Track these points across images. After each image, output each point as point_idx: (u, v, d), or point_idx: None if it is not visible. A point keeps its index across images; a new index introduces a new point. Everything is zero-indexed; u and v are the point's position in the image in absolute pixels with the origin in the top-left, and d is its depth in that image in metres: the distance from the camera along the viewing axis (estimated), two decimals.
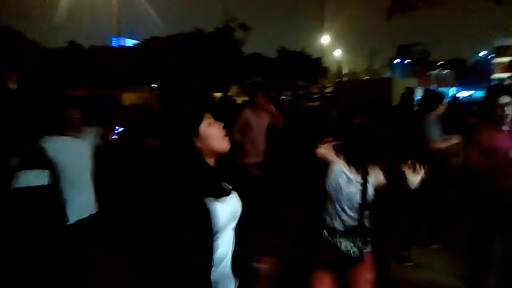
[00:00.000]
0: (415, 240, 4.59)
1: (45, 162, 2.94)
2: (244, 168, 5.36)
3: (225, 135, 1.81)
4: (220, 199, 1.71)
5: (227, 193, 1.77)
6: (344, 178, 2.54)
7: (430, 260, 4.54)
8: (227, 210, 1.75)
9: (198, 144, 1.73)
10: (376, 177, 2.62)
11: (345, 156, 2.59)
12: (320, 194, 2.57)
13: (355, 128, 2.78)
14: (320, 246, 2.53)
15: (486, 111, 3.47)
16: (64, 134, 3.26)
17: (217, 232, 1.68)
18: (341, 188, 2.53)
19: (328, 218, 2.54)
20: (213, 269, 1.71)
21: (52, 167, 2.98)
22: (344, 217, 2.55)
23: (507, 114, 3.27)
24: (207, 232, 1.65)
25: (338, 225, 2.54)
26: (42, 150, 3.00)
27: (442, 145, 4.32)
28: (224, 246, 1.76)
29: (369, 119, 3.95)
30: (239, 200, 1.88)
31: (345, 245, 2.51)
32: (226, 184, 1.84)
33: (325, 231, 2.53)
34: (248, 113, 5.53)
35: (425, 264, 4.45)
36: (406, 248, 4.47)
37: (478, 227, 3.53)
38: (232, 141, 1.75)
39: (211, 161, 1.78)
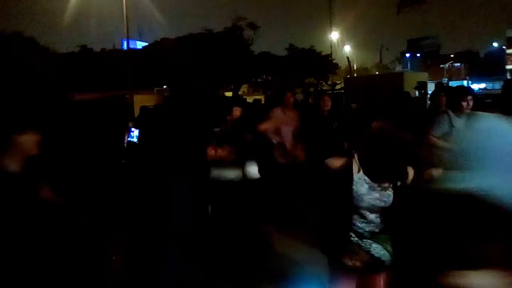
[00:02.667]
0: None
1: None
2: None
3: None
4: None
5: None
6: (366, 186, 2.39)
7: None
8: None
9: None
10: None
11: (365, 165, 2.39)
12: (343, 200, 2.43)
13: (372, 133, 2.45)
14: (349, 249, 2.41)
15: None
16: None
17: None
18: (361, 196, 2.39)
19: (355, 222, 2.43)
20: None
21: None
22: (368, 222, 2.44)
23: None
24: None
25: (364, 229, 2.43)
26: None
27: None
28: None
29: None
30: None
31: (375, 247, 2.37)
32: None
33: (353, 234, 2.41)
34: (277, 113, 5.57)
35: None
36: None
37: None
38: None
39: None
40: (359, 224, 2.42)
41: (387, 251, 2.37)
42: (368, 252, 2.36)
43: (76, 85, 21.31)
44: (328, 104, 5.92)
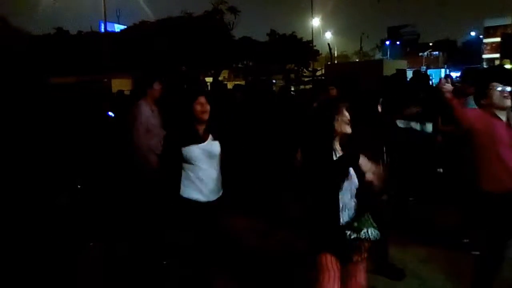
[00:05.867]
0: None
1: None
2: None
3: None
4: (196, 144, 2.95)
5: (202, 140, 2.98)
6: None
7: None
8: (201, 149, 2.96)
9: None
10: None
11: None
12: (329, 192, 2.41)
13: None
14: (353, 248, 2.40)
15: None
16: None
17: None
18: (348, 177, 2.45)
19: (342, 217, 2.40)
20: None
21: None
22: (349, 209, 2.44)
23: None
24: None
25: (348, 217, 2.41)
26: None
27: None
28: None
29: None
30: (218, 145, 3.03)
31: (371, 232, 2.37)
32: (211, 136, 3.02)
33: (348, 231, 2.36)
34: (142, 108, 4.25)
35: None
36: None
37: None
38: None
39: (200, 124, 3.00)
40: (346, 216, 2.40)
41: (375, 228, 2.39)
42: (368, 239, 2.36)
43: (53, 68, 20.77)
44: None
